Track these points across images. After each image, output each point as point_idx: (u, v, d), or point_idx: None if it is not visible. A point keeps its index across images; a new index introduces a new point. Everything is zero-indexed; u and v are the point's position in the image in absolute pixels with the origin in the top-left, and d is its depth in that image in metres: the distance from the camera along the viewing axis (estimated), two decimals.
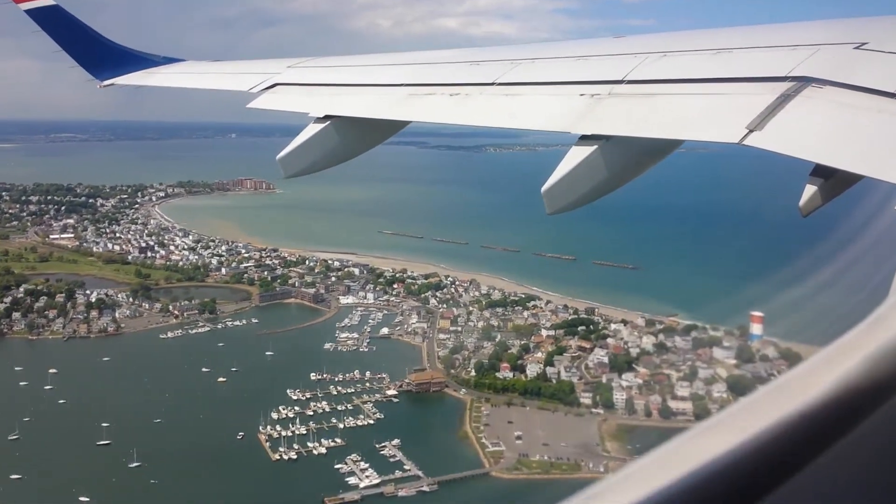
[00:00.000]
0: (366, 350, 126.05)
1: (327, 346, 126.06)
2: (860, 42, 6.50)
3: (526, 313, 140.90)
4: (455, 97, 9.45)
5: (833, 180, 6.60)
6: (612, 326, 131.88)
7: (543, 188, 7.19)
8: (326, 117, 10.20)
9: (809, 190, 6.71)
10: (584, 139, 7.26)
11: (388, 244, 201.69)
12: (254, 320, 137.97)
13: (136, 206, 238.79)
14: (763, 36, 7.91)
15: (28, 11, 15.27)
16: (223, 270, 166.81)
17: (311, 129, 10.18)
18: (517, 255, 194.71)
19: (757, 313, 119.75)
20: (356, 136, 10.56)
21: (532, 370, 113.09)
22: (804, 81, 6.27)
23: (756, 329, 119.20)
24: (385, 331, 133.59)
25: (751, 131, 6.03)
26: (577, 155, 7.23)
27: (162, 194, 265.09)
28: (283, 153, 10.18)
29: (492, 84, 9.13)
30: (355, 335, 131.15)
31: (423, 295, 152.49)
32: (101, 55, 16.02)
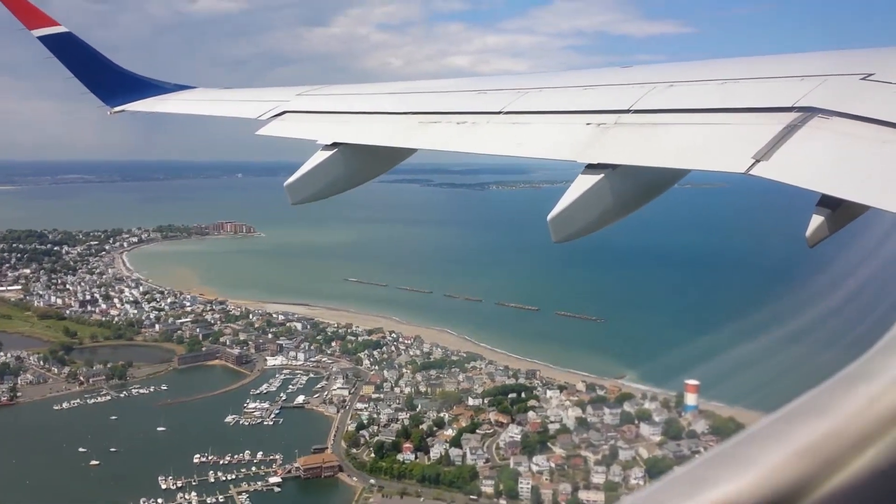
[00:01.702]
0: (271, 423, 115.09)
1: (230, 418, 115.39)
2: (866, 73, 6.46)
3: (462, 376, 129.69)
4: (462, 125, 9.35)
5: (840, 211, 6.60)
6: (548, 393, 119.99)
7: (549, 216, 7.02)
8: (334, 144, 10.18)
9: (816, 220, 6.73)
10: (591, 168, 7.19)
11: (349, 293, 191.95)
12: (163, 387, 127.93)
13: (104, 252, 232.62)
14: (769, 67, 7.82)
15: (41, 38, 15.28)
16: (157, 327, 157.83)
17: (319, 157, 10.15)
18: (479, 305, 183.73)
19: (692, 382, 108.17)
20: (363, 163, 10.52)
21: (437, 451, 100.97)
22: (810, 112, 6.22)
23: (691, 399, 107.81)
24: (301, 399, 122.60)
25: (757, 161, 5.97)
26: (583, 183, 7.13)
27: (136, 240, 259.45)
28: (290, 180, 10.01)
29: (499, 113, 9.05)
30: (266, 405, 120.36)
31: (358, 354, 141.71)
32: (112, 82, 16.00)
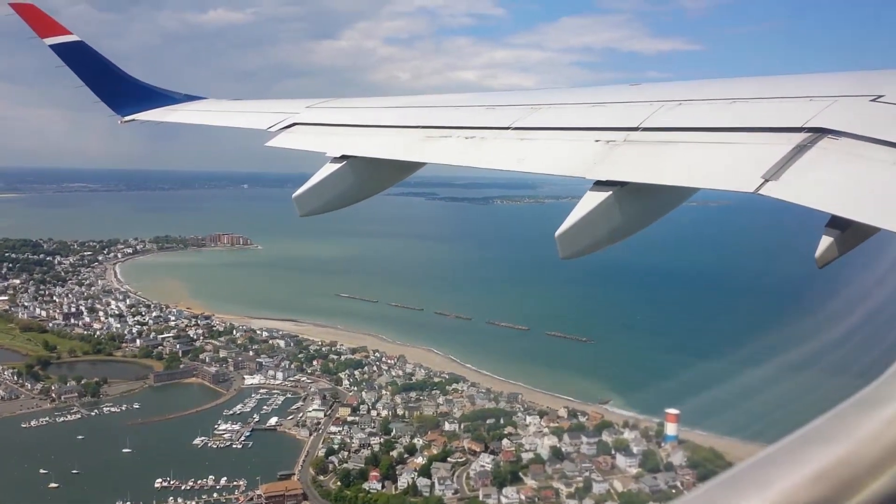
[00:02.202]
0: (240, 446, 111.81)
1: (198, 440, 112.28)
2: (876, 94, 6.49)
3: (441, 399, 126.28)
4: (471, 140, 9.35)
5: (849, 232, 6.62)
6: (527, 419, 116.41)
7: (557, 232, 6.96)
8: (343, 157, 10.20)
9: (825, 241, 6.75)
10: (599, 185, 7.16)
11: (339, 309, 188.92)
12: (135, 405, 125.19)
13: (96, 263, 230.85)
14: (779, 87, 7.85)
15: (53, 46, 15.31)
16: (138, 342, 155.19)
17: (328, 169, 10.16)
18: (469, 323, 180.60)
19: (672, 411, 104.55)
20: (372, 176, 10.51)
21: (405, 479, 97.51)
22: (820, 133, 6.23)
23: (671, 429, 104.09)
24: (273, 421, 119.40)
25: (766, 181, 5.95)
26: (591, 200, 7.08)
27: (130, 251, 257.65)
28: (298, 192, 10.04)
29: (507, 128, 9.07)
30: (237, 426, 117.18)
31: (339, 374, 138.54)
32: (123, 91, 16.03)
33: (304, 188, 10.06)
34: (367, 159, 10.18)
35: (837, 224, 6.58)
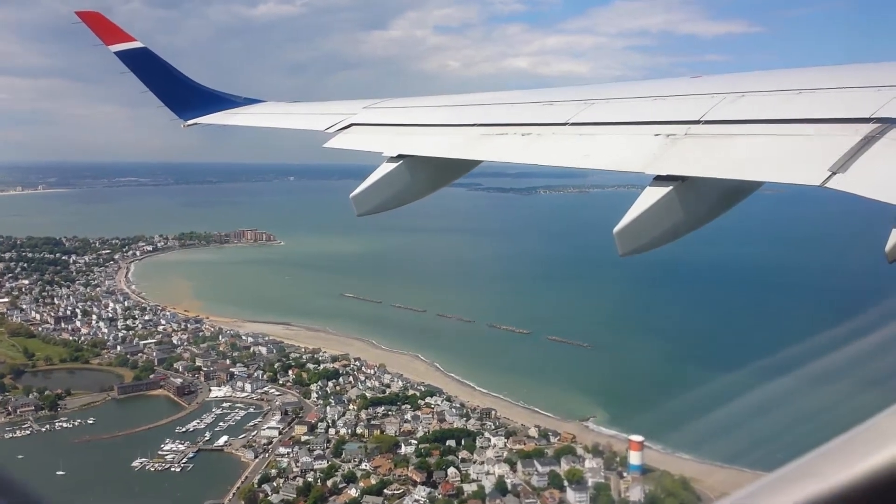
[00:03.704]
0: (178, 469, 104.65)
1: (137, 462, 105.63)
2: None
3: (410, 415, 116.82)
4: (527, 137, 9.34)
5: None
6: (491, 441, 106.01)
7: (616, 229, 6.88)
8: (399, 156, 10.29)
9: None
10: (659, 180, 7.07)
11: (339, 311, 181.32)
12: (90, 420, 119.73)
13: (112, 262, 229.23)
14: (845, 77, 7.65)
15: (118, 53, 15.75)
16: (118, 348, 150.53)
17: (385, 168, 10.26)
18: (469, 326, 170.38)
19: (636, 438, 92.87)
20: (428, 175, 10.59)
21: None
22: (890, 123, 6.09)
23: (635, 458, 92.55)
24: (223, 440, 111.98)
25: (833, 173, 5.86)
26: (651, 196, 6.99)
27: (150, 248, 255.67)
28: (356, 192, 10.18)
29: (564, 124, 9.05)
30: (183, 446, 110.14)
31: (310, 386, 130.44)
32: (185, 96, 16.39)
33: (360, 188, 10.14)
34: (423, 158, 10.23)
35: None
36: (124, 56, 15.68)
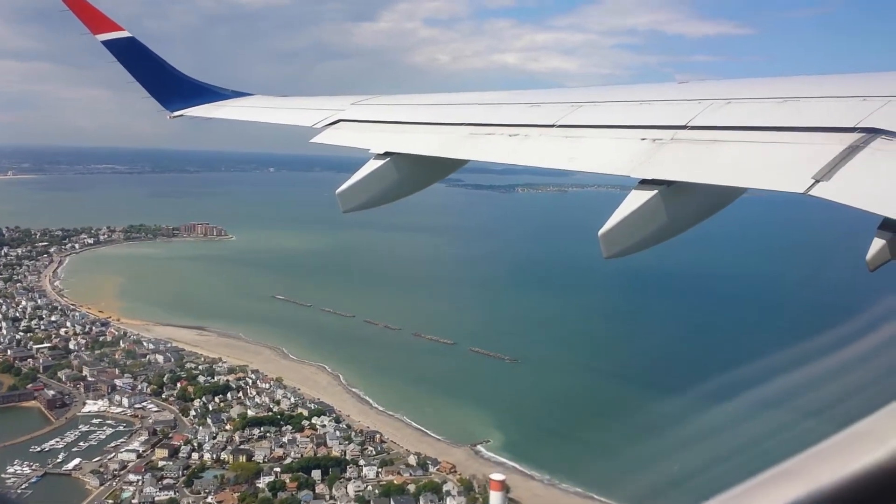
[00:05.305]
0: (13, 496, 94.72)
1: None
2: None
3: (286, 438, 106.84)
4: (515, 138, 9.28)
5: None
6: (363, 471, 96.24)
7: (601, 231, 6.85)
8: (386, 154, 10.15)
9: (877, 244, 6.69)
10: (644, 183, 7.05)
11: (263, 314, 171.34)
12: None
13: (45, 255, 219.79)
14: (830, 86, 7.64)
15: (105, 42, 15.30)
16: (8, 352, 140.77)
17: (371, 165, 10.13)
18: (394, 334, 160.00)
19: (497, 477, 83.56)
20: (415, 173, 10.44)
21: None
22: (874, 133, 6.09)
23: (496, 499, 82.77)
24: (73, 464, 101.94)
25: (817, 181, 5.86)
26: (636, 199, 6.96)
27: (91, 241, 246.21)
28: (342, 188, 10.06)
29: (552, 126, 8.99)
30: (29, 469, 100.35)
31: (195, 401, 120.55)
32: (172, 87, 15.95)
33: (347, 184, 10.02)
34: (410, 156, 10.10)
35: (890, 226, 6.51)
36: (111, 45, 15.21)
